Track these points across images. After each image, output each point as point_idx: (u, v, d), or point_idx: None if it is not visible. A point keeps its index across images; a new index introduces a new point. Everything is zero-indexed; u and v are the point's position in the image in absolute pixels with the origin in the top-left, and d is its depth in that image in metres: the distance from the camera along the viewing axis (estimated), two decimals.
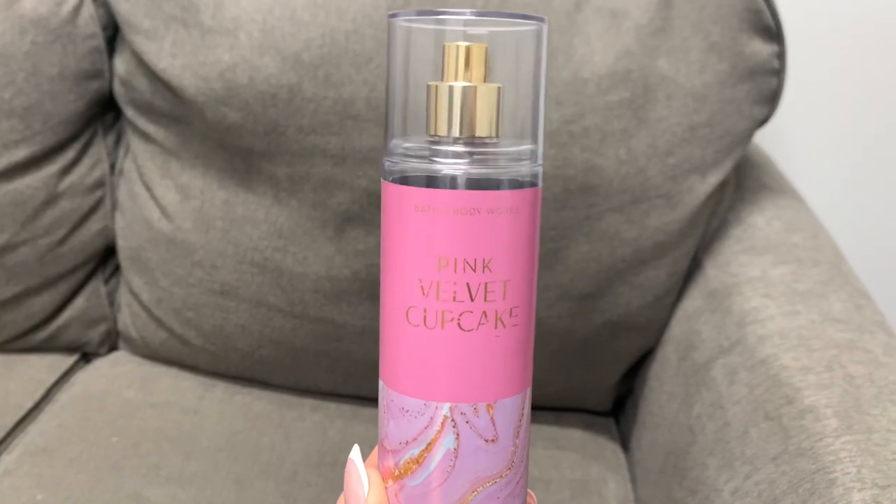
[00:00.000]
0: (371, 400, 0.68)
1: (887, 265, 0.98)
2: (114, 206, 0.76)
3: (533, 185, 0.31)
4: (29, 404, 0.71)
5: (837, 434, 0.47)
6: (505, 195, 0.30)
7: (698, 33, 0.64)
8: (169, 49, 0.65)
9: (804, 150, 0.94)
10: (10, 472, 0.63)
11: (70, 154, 0.73)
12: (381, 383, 0.32)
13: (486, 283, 0.30)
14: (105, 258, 0.78)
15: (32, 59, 0.68)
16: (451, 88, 0.30)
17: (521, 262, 0.30)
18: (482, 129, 0.30)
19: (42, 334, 0.77)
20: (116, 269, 0.79)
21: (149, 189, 0.72)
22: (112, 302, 0.79)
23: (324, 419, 0.73)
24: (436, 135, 0.30)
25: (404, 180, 0.30)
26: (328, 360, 0.73)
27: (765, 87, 0.66)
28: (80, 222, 0.74)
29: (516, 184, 0.30)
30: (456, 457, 0.30)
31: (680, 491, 0.59)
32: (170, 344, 0.76)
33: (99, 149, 0.75)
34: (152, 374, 0.76)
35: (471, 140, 0.30)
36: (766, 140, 0.90)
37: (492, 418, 0.30)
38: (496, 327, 0.30)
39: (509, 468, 0.31)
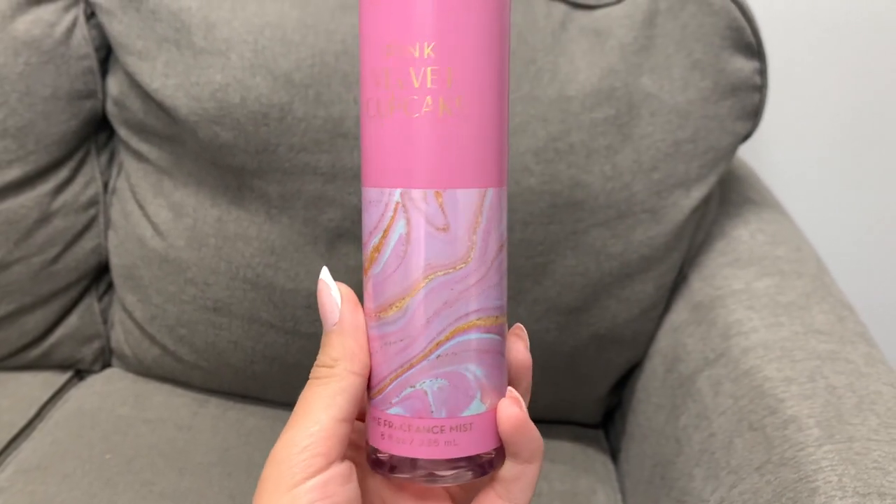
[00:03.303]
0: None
1: (869, 276, 0.99)
2: (107, 225, 0.77)
3: None
4: (22, 422, 0.72)
5: (819, 443, 0.48)
6: None
7: (681, 51, 0.65)
8: (161, 69, 0.66)
9: (788, 164, 0.95)
10: (4, 490, 0.63)
11: (63, 173, 0.73)
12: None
13: (428, 69, 0.30)
14: (98, 276, 0.79)
15: (26, 79, 0.69)
16: None
17: (467, 52, 0.30)
18: None
19: (35, 352, 0.77)
20: (110, 287, 0.80)
21: (142, 207, 0.73)
22: (105, 319, 0.80)
23: None
24: None
25: None
26: None
27: (747, 103, 0.67)
28: (73, 240, 0.75)
29: None
30: (407, 242, 0.31)
31: (668, 501, 0.60)
32: (163, 360, 0.77)
33: (92, 168, 0.75)
34: (146, 391, 0.77)
35: None
36: (750, 153, 0.91)
37: (441, 206, 0.31)
38: (441, 114, 0.30)
39: (464, 262, 0.31)
